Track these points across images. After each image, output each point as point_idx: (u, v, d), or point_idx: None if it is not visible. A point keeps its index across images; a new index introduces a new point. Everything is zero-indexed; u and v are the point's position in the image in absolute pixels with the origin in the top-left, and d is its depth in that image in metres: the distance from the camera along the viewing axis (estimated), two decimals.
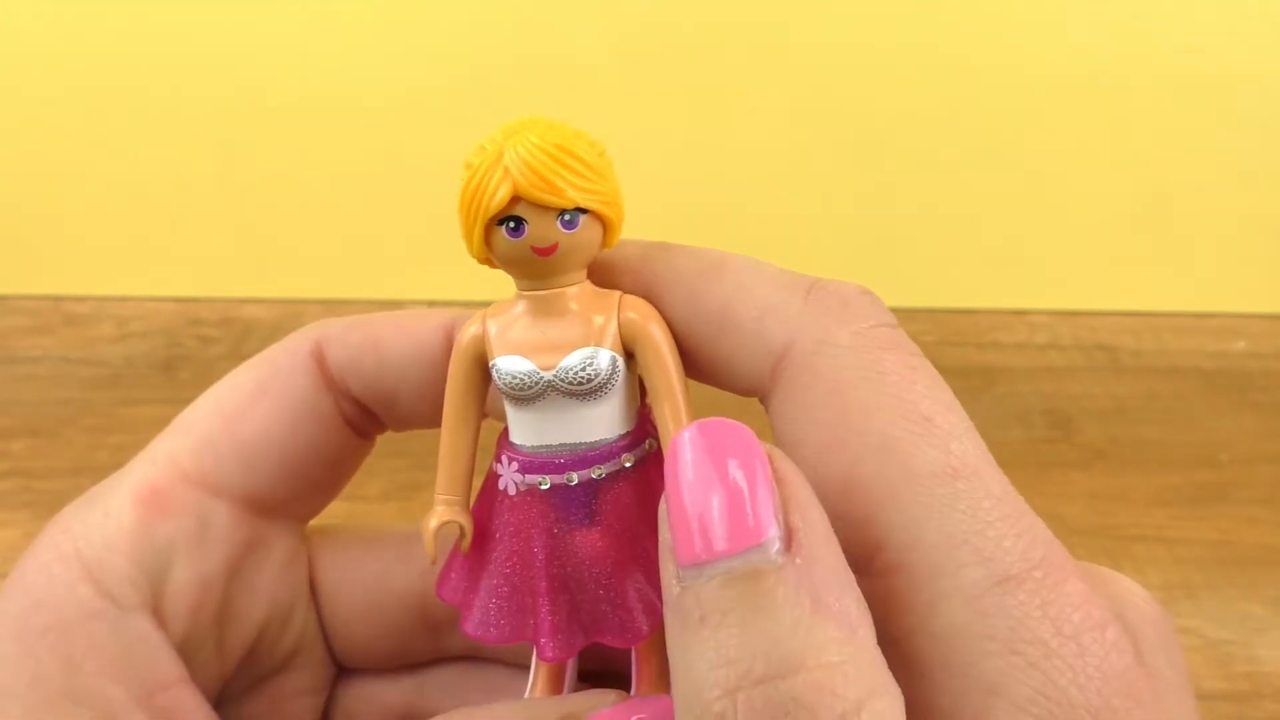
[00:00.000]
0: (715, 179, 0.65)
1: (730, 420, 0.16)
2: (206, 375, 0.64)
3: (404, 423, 0.24)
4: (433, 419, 0.23)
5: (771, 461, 0.16)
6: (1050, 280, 0.67)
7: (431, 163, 0.65)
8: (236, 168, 0.66)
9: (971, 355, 0.63)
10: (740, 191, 0.66)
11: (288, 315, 0.65)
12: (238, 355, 0.62)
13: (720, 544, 0.15)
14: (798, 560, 0.15)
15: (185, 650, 0.22)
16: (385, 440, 0.26)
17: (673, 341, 0.21)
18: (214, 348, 0.63)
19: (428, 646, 0.26)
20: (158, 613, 0.21)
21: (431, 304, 0.66)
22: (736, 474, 0.16)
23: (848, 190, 0.65)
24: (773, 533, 0.15)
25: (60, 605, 0.20)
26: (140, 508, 0.21)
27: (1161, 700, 0.16)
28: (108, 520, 0.21)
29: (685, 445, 0.16)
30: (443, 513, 0.21)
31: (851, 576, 0.16)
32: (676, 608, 0.16)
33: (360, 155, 0.65)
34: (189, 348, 0.63)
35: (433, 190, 0.66)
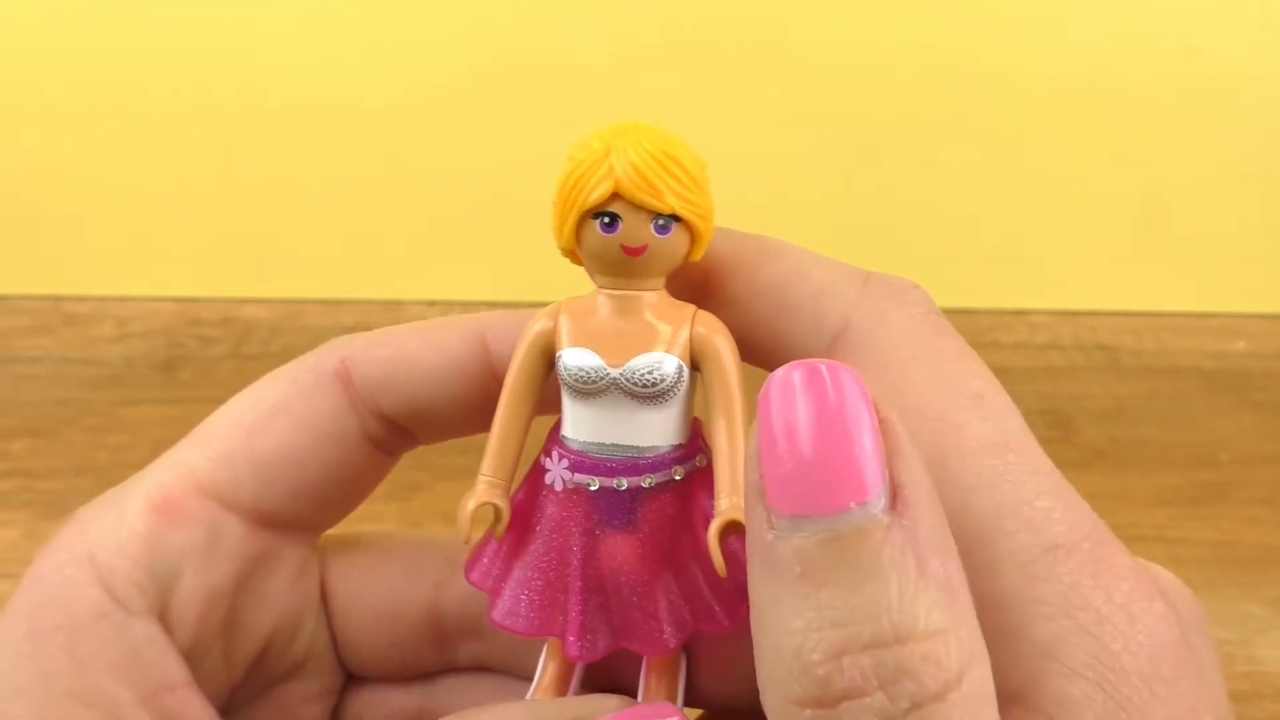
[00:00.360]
0: (715, 178, 0.65)
1: (837, 361, 0.15)
2: (206, 375, 0.64)
3: (437, 434, 0.24)
4: (467, 429, 0.24)
5: (877, 409, 0.15)
6: (1050, 280, 0.67)
7: (432, 163, 0.65)
8: (236, 168, 0.66)
9: None
10: (740, 191, 0.66)
11: (288, 315, 0.65)
12: (238, 355, 0.62)
13: (824, 497, 0.14)
14: (904, 520, 0.14)
15: (192, 657, 0.22)
16: (414, 457, 0.26)
17: (739, 361, 0.21)
18: (214, 348, 0.63)
19: (438, 657, 0.26)
20: (164, 619, 0.21)
21: (431, 304, 0.66)
22: (844, 421, 0.15)
23: (847, 190, 0.65)
24: (880, 488, 0.14)
25: (71, 605, 0.20)
26: (153, 514, 0.22)
27: (1205, 677, 0.17)
28: (121, 524, 0.21)
29: (787, 383, 0.15)
30: (484, 493, 0.21)
31: (951, 538, 0.15)
32: (769, 557, 0.15)
33: (360, 155, 0.65)
34: (189, 348, 0.63)
35: (433, 190, 0.66)
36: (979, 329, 0.65)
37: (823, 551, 0.14)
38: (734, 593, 0.21)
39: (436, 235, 0.66)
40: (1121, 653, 0.16)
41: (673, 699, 0.22)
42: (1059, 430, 0.55)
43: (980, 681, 0.14)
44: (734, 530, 0.20)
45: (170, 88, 0.64)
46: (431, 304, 0.66)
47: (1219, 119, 0.63)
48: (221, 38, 0.64)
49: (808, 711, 0.14)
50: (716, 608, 0.21)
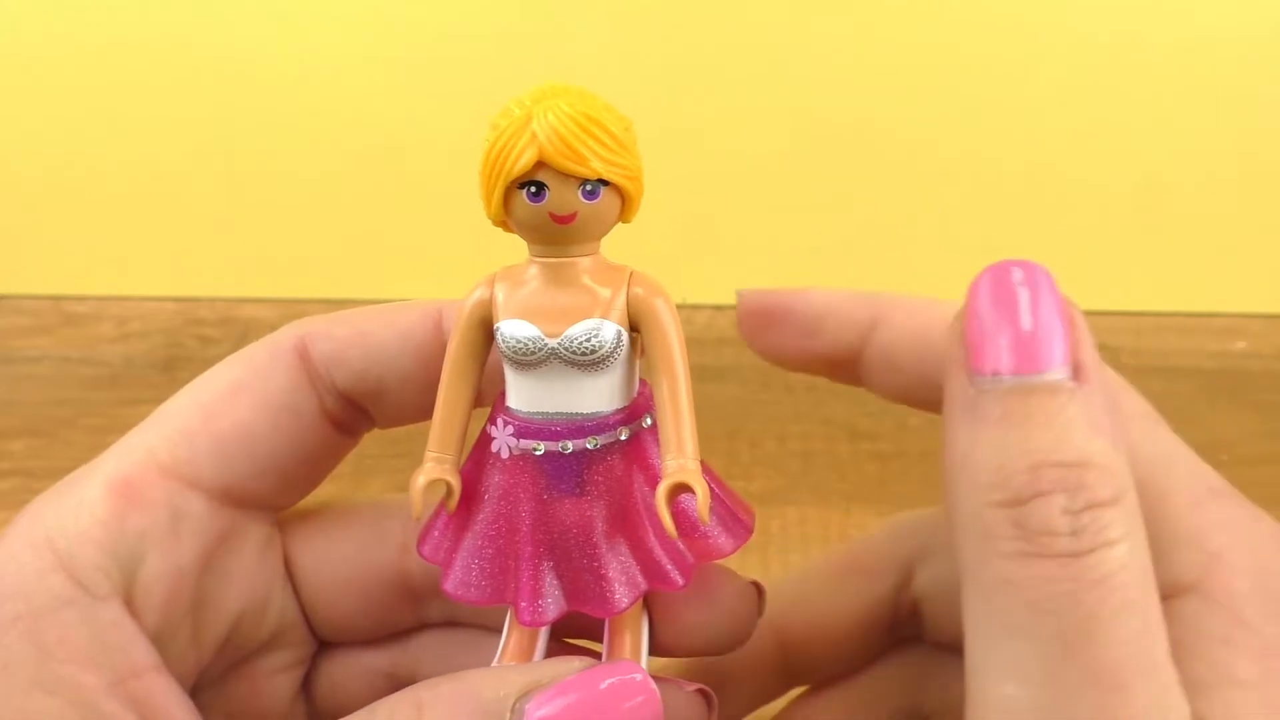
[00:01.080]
0: (716, 178, 0.65)
1: (1036, 263, 0.20)
2: None
3: (392, 417, 0.24)
4: (421, 412, 0.23)
5: (1067, 303, 0.19)
6: None
7: (432, 163, 0.65)
8: (237, 168, 0.66)
9: None
10: (740, 191, 0.66)
11: (288, 315, 0.64)
12: None
13: (1026, 360, 0.18)
14: (1085, 386, 0.18)
15: (160, 639, 0.22)
16: (388, 441, 0.26)
17: (678, 320, 0.21)
18: (214, 348, 0.63)
19: (408, 616, 0.26)
20: (130, 602, 0.21)
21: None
22: (1046, 306, 0.19)
23: (847, 190, 0.65)
24: (1066, 361, 0.18)
25: (30, 594, 0.20)
26: (113, 498, 0.21)
27: None
28: (80, 509, 0.21)
29: (1002, 272, 0.19)
30: (432, 470, 0.21)
31: (1117, 409, 0.19)
32: (972, 407, 0.18)
33: (361, 155, 0.65)
34: (189, 348, 0.63)
35: (433, 190, 0.66)
36: None
37: (1021, 399, 0.18)
38: (686, 552, 0.21)
39: (436, 235, 0.66)
40: (1274, 560, 0.19)
41: (636, 656, 0.22)
42: None
43: (1134, 507, 0.18)
44: (682, 491, 0.20)
45: (170, 88, 0.64)
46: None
47: (1219, 119, 0.63)
48: (222, 38, 0.64)
49: (1004, 511, 0.17)
50: (668, 567, 0.21)
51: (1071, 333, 0.19)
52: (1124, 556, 0.17)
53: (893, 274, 0.67)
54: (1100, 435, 0.18)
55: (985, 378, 0.18)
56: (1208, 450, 0.57)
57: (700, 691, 0.23)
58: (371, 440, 0.26)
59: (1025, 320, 0.19)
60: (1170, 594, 0.18)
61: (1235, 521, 0.20)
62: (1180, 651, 0.18)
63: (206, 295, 0.67)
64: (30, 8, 0.63)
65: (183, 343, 0.63)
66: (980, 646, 0.18)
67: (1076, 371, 0.18)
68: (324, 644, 0.26)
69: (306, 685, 0.26)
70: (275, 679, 0.25)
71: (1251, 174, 0.64)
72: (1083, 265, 0.66)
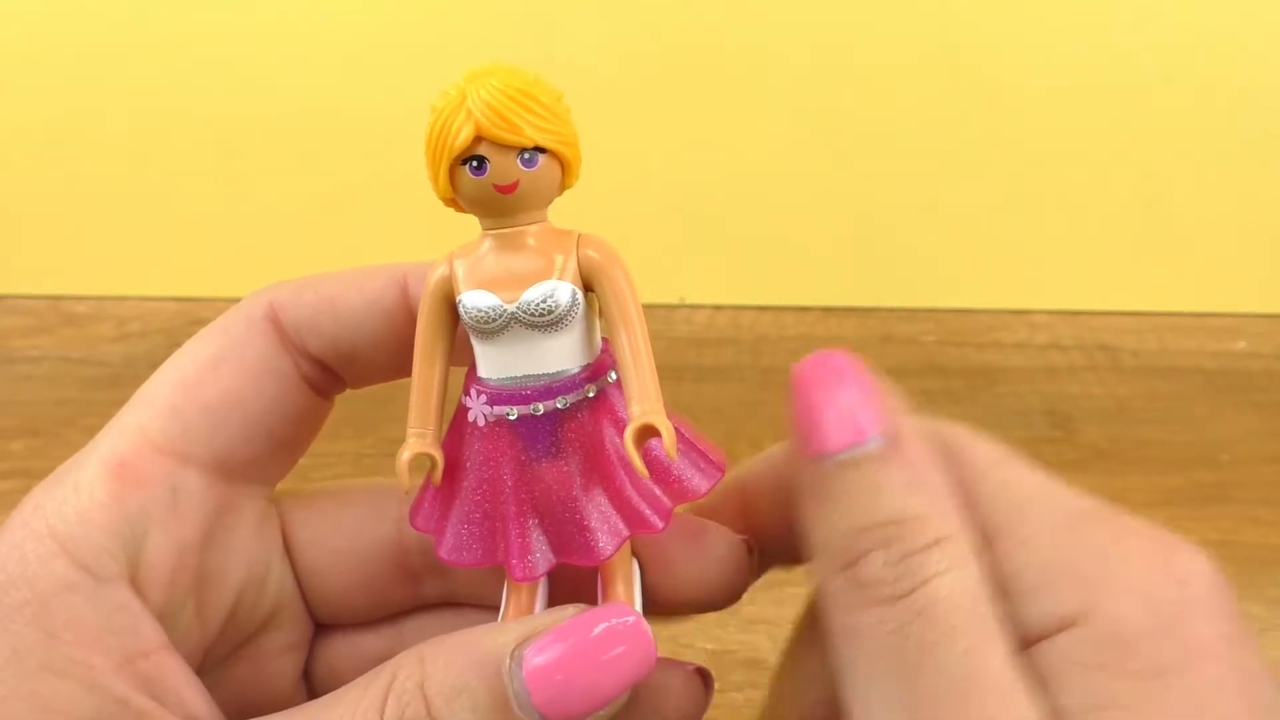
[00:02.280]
0: (716, 178, 0.65)
1: (841, 353, 0.21)
2: None
3: (363, 378, 0.25)
4: (390, 372, 0.24)
5: (870, 377, 0.21)
6: (1050, 280, 0.66)
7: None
8: (236, 168, 0.66)
9: (971, 355, 0.63)
10: (741, 191, 0.66)
11: None
12: None
13: (844, 437, 0.20)
14: (899, 452, 0.20)
15: (165, 618, 0.22)
16: (388, 441, 0.26)
17: (630, 277, 0.22)
18: None
19: (404, 595, 0.26)
20: (136, 582, 0.21)
21: None
22: (853, 386, 0.21)
23: (848, 190, 0.65)
24: (881, 432, 0.20)
25: (35, 580, 0.20)
26: (112, 480, 0.22)
27: (1229, 603, 0.21)
28: (79, 495, 0.21)
29: (810, 364, 0.21)
30: (414, 445, 0.22)
31: (937, 468, 0.20)
32: (810, 489, 0.20)
33: (360, 156, 0.65)
34: None
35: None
36: (979, 329, 0.65)
37: (844, 474, 0.20)
38: (662, 496, 0.22)
39: (436, 235, 0.66)
40: (1153, 576, 0.20)
41: (629, 597, 0.23)
42: (1060, 430, 0.55)
43: (958, 546, 0.19)
44: (650, 434, 0.21)
45: (170, 89, 0.64)
46: None
47: (1219, 119, 0.63)
48: (221, 39, 0.64)
49: (843, 575, 0.19)
50: (646, 512, 0.22)
51: (880, 406, 0.20)
52: (943, 589, 0.19)
53: (893, 275, 0.67)
54: (917, 491, 0.20)
55: (816, 460, 0.20)
56: (1208, 450, 0.57)
57: (698, 671, 0.24)
58: (370, 440, 0.26)
59: (840, 403, 0.20)
60: (1055, 628, 0.19)
61: (1111, 542, 0.20)
62: (1060, 684, 0.18)
63: (206, 295, 0.67)
64: (30, 8, 0.63)
65: (182, 342, 0.63)
66: (849, 695, 0.19)
67: (891, 440, 0.20)
68: (321, 628, 0.26)
69: (308, 673, 0.26)
70: (277, 661, 0.25)
71: (1252, 175, 0.64)
72: (1084, 265, 0.66)
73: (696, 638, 0.41)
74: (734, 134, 0.65)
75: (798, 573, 0.45)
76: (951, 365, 0.62)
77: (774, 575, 0.44)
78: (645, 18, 0.62)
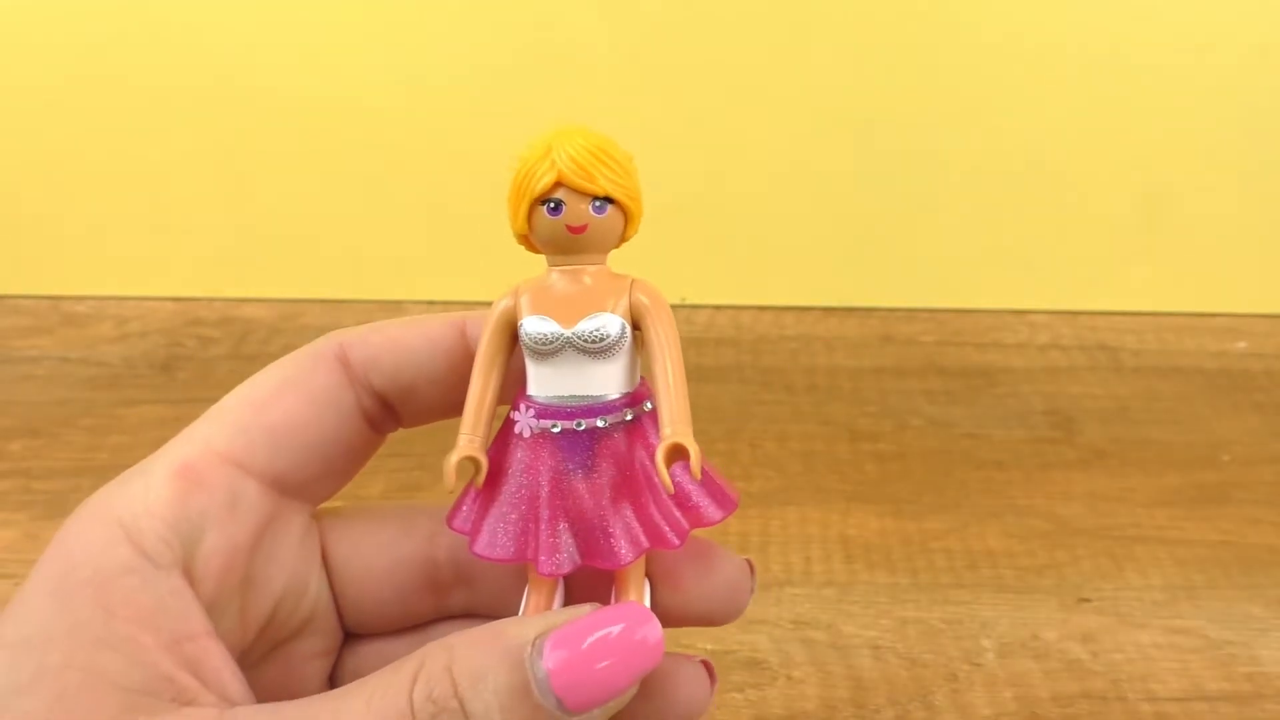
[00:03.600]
0: (717, 178, 0.65)
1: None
2: (206, 375, 0.64)
3: (418, 415, 0.27)
4: (445, 410, 0.27)
5: None
6: (1050, 280, 0.66)
7: (432, 164, 0.65)
8: (236, 168, 0.66)
9: (971, 355, 0.63)
10: (741, 191, 0.66)
11: (287, 315, 0.65)
12: (237, 355, 0.62)
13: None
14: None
15: (213, 610, 0.24)
16: (387, 442, 0.28)
17: (674, 321, 0.25)
18: (213, 348, 0.63)
19: (430, 606, 0.28)
20: (190, 574, 0.23)
21: (430, 304, 0.66)
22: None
23: (848, 190, 0.65)
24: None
25: (99, 563, 0.22)
26: (177, 481, 0.24)
27: None
28: (147, 491, 0.23)
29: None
30: (463, 448, 0.25)
31: None
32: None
33: (360, 156, 0.65)
34: (189, 348, 0.63)
35: (433, 191, 0.66)
36: (980, 329, 0.65)
37: None
38: (681, 518, 0.24)
39: (436, 235, 0.66)
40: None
41: (640, 599, 0.25)
42: (1060, 430, 0.55)
43: None
44: (679, 454, 0.23)
45: (171, 88, 0.64)
46: (431, 304, 0.66)
47: (1220, 119, 0.63)
48: (221, 37, 0.64)
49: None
50: (666, 529, 0.24)
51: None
52: None
53: (893, 275, 0.67)
54: None
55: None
56: (1208, 450, 0.57)
57: (703, 663, 0.26)
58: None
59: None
60: None
61: None
62: None
63: (206, 295, 0.67)
64: (30, 9, 0.63)
65: (182, 343, 0.63)
66: None
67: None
68: (350, 636, 0.28)
69: (334, 679, 0.28)
70: (307, 665, 0.27)
71: (1252, 175, 0.64)
72: (1085, 265, 0.66)
73: (697, 638, 0.41)
74: (734, 134, 0.65)
75: (797, 574, 0.45)
76: (951, 365, 0.61)
77: (774, 576, 0.44)
78: (645, 17, 0.62)
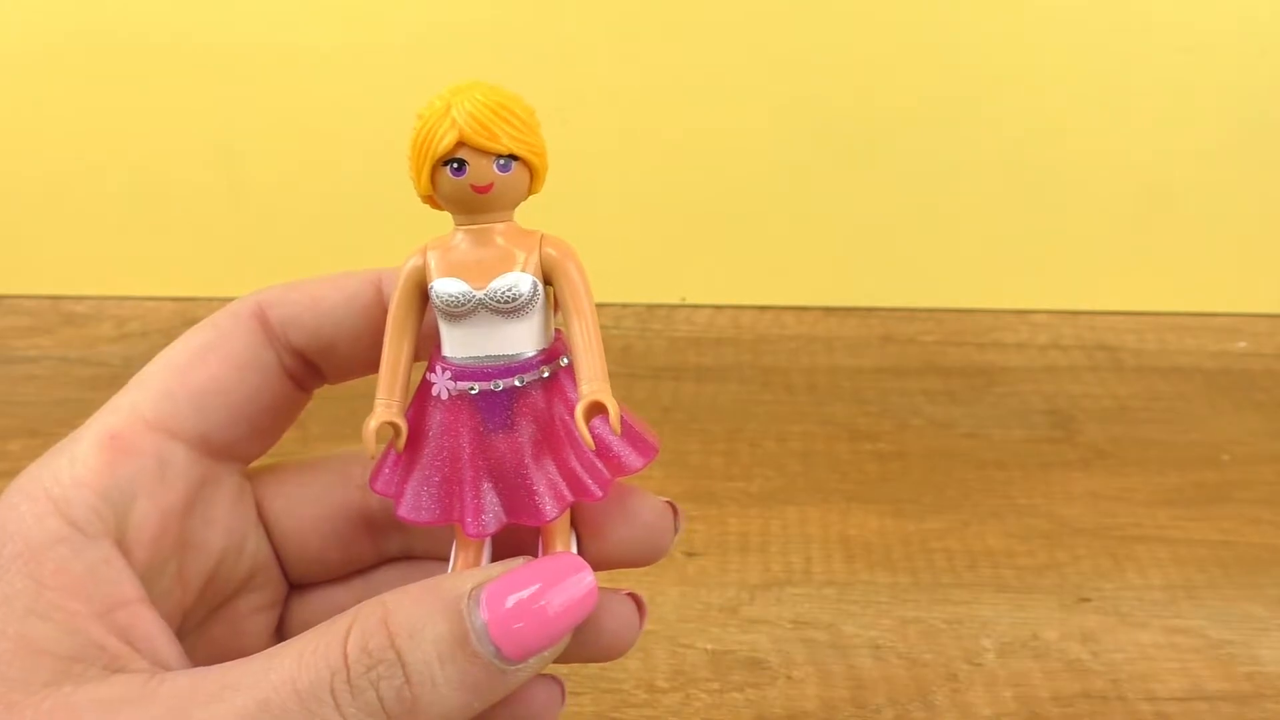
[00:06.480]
0: (717, 178, 0.65)
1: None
2: None
3: (340, 372, 0.27)
4: (367, 366, 0.27)
5: None
6: (1050, 280, 0.66)
7: None
8: (236, 167, 0.66)
9: (972, 355, 0.63)
10: (741, 191, 0.66)
11: None
12: None
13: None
14: None
15: (148, 577, 0.24)
16: (333, 421, 0.29)
17: (585, 274, 0.24)
18: None
19: (369, 551, 0.29)
20: (122, 542, 0.23)
21: None
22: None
23: (848, 190, 0.65)
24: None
25: (29, 535, 0.22)
26: (104, 450, 0.24)
27: None
28: (74, 463, 0.23)
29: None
30: (381, 413, 0.25)
31: None
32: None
33: (360, 156, 0.65)
34: None
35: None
36: (980, 329, 0.65)
37: None
38: (603, 469, 0.24)
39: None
40: None
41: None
42: (1060, 430, 0.55)
43: None
44: (597, 410, 0.23)
45: (170, 87, 0.64)
46: None
47: (1219, 119, 0.63)
48: (222, 38, 0.64)
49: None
50: (588, 481, 0.24)
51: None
52: None
53: (893, 275, 0.67)
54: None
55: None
56: (1208, 450, 0.57)
57: (631, 595, 0.26)
58: (320, 423, 0.26)
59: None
60: None
61: None
62: None
63: (206, 295, 0.67)
64: (30, 8, 0.63)
65: None
66: None
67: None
68: (294, 587, 0.29)
69: (281, 630, 0.29)
70: (253, 619, 0.28)
71: (1252, 174, 0.64)
72: (1085, 265, 0.66)
73: (697, 638, 0.41)
74: (734, 134, 0.65)
75: (798, 574, 0.45)
76: (951, 365, 0.61)
77: (774, 576, 0.44)
78: (645, 17, 0.62)
